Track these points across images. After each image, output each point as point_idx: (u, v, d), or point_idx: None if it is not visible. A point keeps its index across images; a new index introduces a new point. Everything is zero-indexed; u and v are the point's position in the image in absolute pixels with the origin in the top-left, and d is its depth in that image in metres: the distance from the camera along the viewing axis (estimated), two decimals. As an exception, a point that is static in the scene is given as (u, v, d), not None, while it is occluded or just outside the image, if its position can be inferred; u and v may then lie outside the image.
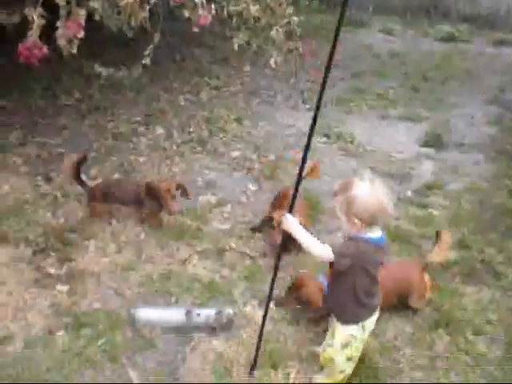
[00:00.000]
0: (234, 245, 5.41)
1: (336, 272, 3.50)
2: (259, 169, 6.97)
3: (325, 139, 7.97)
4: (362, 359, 4.09)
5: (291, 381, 3.97)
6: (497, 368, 4.29)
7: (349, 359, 3.82)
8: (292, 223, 3.44)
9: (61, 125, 7.46)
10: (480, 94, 10.32)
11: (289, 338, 4.40)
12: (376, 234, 3.45)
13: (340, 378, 3.93)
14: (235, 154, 7.27)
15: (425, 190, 6.95)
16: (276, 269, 3.66)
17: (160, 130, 7.59)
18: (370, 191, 3.32)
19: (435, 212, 6.44)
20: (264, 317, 3.81)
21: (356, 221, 3.32)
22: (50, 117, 7.61)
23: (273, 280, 3.71)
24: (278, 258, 3.63)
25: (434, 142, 8.33)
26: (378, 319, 4.55)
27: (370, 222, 3.37)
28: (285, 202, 5.05)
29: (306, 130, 7.33)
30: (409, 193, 6.88)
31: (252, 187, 6.58)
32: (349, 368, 3.89)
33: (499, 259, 5.58)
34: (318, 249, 3.39)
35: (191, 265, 5.10)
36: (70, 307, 4.53)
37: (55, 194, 5.93)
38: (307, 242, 3.41)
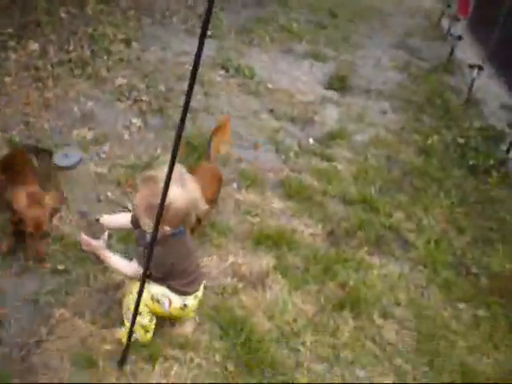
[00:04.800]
0: (110, 194, 4.57)
1: None
2: (147, 101, 6.08)
3: (223, 72, 7.17)
4: (255, 347, 3.47)
5: (172, 379, 3.24)
6: (407, 361, 3.74)
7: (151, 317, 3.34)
8: (96, 247, 3.25)
9: None
10: (387, 36, 9.79)
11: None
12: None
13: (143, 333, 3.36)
14: (120, 81, 6.33)
15: (328, 138, 6.34)
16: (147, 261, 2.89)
17: (34, 46, 6.46)
18: (181, 195, 2.97)
19: (339, 166, 5.81)
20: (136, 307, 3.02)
21: (166, 228, 3.03)
22: None
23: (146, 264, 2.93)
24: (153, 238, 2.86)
25: (339, 84, 7.75)
26: (277, 296, 4.00)
27: (179, 226, 3.14)
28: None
29: (203, 59, 6.60)
30: (311, 140, 6.23)
31: (137, 122, 5.71)
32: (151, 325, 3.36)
33: (408, 226, 5.09)
34: (129, 268, 3.22)
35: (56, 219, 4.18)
36: None
37: None
38: (115, 265, 3.29)
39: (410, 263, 4.66)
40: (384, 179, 5.70)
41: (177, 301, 3.28)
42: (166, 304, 3.27)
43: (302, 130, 6.37)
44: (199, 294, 3.42)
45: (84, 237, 3.20)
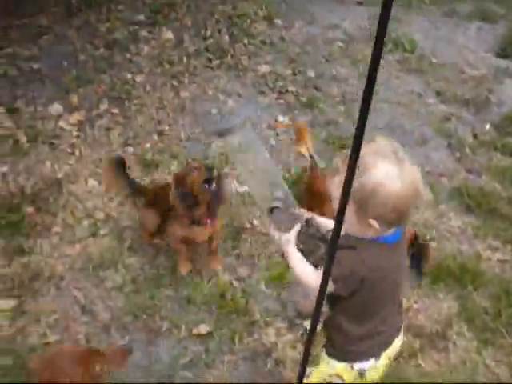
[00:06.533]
0: (255, 221, 3.90)
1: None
2: (293, 91, 5.32)
3: (378, 47, 6.21)
4: None
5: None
6: None
7: None
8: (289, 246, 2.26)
9: (41, 27, 5.70)
10: None
11: None
12: (392, 230, 2.11)
13: None
14: (263, 68, 5.57)
15: (508, 123, 5.29)
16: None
17: (167, 34, 5.82)
18: (397, 176, 1.95)
19: (526, 162, 4.82)
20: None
21: (372, 222, 2.00)
22: (29, 16, 5.80)
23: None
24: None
25: (514, 49, 6.59)
26: (464, 356, 3.21)
27: (392, 223, 2.06)
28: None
29: (355, 33, 5.76)
30: (487, 127, 5.24)
31: (283, 120, 4.97)
32: None
33: None
34: (315, 277, 2.17)
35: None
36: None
37: (17, 136, 4.37)
38: (299, 269, 2.26)
39: None
40: None
41: (351, 373, 2.35)
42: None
43: (476, 114, 5.38)
44: (390, 352, 2.39)
45: (272, 228, 2.33)
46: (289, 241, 2.26)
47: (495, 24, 7.11)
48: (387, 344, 2.34)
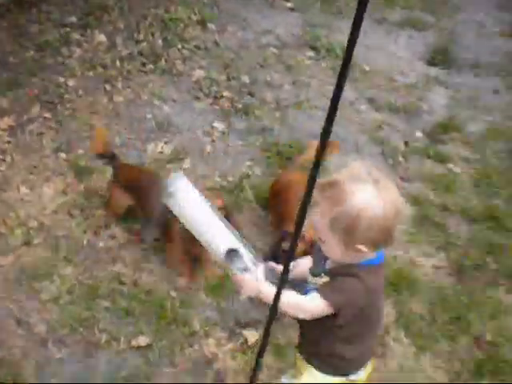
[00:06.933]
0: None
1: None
2: (229, 97, 5.30)
3: (311, 53, 6.27)
4: None
5: None
6: None
7: None
8: (254, 284, 2.14)
9: (-34, 27, 5.56)
10: (490, -5, 8.56)
11: None
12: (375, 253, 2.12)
13: None
14: (198, 74, 5.54)
15: (439, 131, 5.41)
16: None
17: (100, 37, 5.72)
18: (377, 198, 1.94)
19: (456, 169, 4.93)
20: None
21: (360, 247, 1.99)
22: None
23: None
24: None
25: (442, 58, 6.72)
26: (401, 362, 3.26)
27: (379, 245, 2.06)
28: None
29: (288, 39, 5.79)
30: (419, 134, 5.34)
31: (219, 126, 4.95)
32: None
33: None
34: (307, 305, 2.10)
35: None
36: None
37: None
38: (286, 302, 1.96)
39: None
40: (511, 183, 4.81)
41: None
42: None
43: (408, 122, 5.48)
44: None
45: (236, 277, 2.17)
46: (259, 279, 2.15)
47: (425, 32, 7.25)
48: (373, 353, 2.45)
